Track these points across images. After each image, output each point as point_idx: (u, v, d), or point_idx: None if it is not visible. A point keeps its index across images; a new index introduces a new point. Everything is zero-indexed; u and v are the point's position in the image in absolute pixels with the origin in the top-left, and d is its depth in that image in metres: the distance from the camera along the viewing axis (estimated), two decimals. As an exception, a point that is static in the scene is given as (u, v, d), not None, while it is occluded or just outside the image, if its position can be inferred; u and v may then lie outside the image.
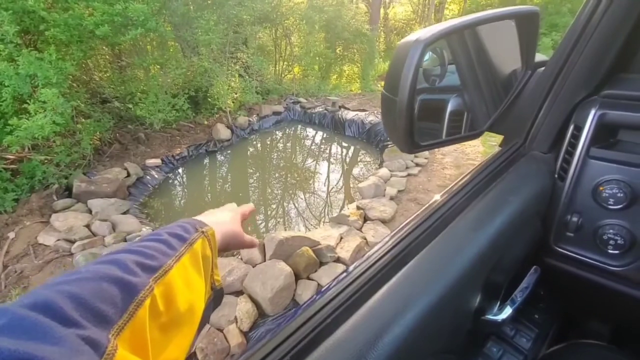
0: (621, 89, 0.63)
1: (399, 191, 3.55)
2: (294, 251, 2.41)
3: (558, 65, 0.67)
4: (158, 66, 4.76)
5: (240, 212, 0.53)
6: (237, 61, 5.71)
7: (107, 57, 5.02)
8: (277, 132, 6.26)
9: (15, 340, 0.19)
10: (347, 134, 5.88)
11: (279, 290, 2.14)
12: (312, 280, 2.33)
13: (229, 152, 5.30)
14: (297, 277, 2.31)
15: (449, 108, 0.72)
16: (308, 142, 6.09)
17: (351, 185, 4.47)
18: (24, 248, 2.72)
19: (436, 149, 4.54)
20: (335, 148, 5.79)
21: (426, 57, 0.58)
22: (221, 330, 2.01)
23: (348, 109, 6.29)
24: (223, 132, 5.25)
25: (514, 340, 0.68)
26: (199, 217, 0.48)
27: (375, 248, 0.49)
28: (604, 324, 0.79)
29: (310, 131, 6.35)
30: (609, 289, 0.64)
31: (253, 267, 2.37)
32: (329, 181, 4.66)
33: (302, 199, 4.27)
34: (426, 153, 4.38)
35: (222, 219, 0.47)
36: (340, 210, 3.53)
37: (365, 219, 3.07)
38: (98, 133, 4.06)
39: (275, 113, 6.39)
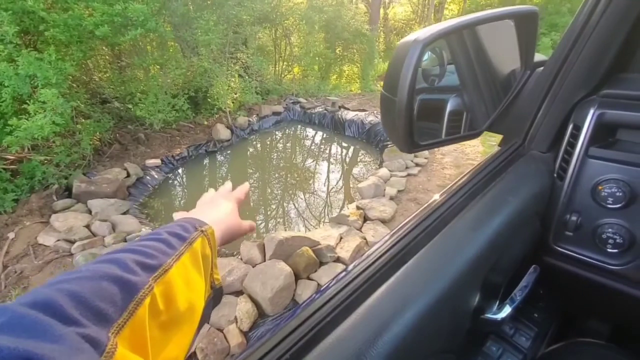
0: (620, 89, 0.63)
1: (399, 191, 3.55)
2: (294, 251, 2.41)
3: (557, 65, 0.67)
4: (158, 66, 4.76)
5: (235, 198, 0.54)
6: (236, 61, 5.71)
7: (107, 57, 5.02)
8: (276, 133, 6.25)
9: (15, 338, 0.19)
10: (347, 134, 5.87)
11: (279, 290, 2.14)
12: (312, 280, 2.33)
13: (228, 152, 5.29)
14: (297, 277, 2.31)
15: (448, 108, 0.72)
16: (308, 142, 6.08)
17: (351, 185, 4.47)
18: (23, 248, 2.72)
19: (436, 149, 4.55)
20: (335, 148, 5.79)
21: (425, 57, 0.58)
22: (221, 330, 2.01)
23: (348, 109, 6.29)
24: (223, 132, 5.25)
25: (513, 339, 0.68)
26: (197, 211, 0.49)
27: (375, 247, 0.49)
28: (603, 322, 0.79)
29: (310, 131, 6.34)
30: (608, 288, 0.64)
31: (253, 267, 2.37)
32: (328, 181, 4.66)
33: (302, 199, 4.26)
34: (426, 153, 4.38)
35: (220, 215, 0.48)
36: (340, 210, 3.53)
37: (365, 219, 3.07)
38: (98, 133, 4.05)
39: (275, 113, 6.38)
